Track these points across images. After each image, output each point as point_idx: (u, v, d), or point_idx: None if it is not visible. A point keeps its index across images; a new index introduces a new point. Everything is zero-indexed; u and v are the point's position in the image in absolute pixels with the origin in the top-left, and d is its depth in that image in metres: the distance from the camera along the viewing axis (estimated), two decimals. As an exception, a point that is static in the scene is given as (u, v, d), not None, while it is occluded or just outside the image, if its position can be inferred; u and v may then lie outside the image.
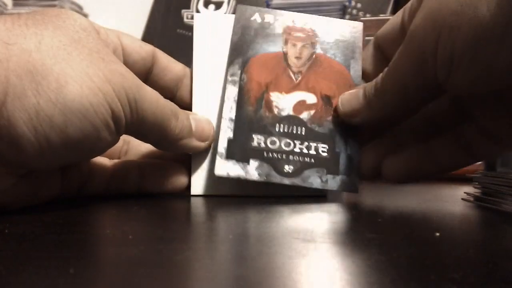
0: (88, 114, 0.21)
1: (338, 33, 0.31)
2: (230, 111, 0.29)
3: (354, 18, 0.68)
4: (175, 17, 0.85)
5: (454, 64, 0.21)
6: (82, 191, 0.28)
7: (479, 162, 0.45)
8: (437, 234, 0.20)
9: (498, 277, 0.14)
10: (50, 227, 0.20)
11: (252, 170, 0.28)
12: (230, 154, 0.28)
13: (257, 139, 0.29)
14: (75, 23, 0.23)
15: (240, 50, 0.30)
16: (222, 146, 0.29)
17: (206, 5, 0.84)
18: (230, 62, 0.30)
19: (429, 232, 0.21)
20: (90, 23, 0.24)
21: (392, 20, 0.29)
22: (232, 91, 0.29)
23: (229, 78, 0.30)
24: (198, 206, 0.27)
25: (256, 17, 0.31)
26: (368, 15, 0.69)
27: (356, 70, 0.31)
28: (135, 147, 0.32)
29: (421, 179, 0.30)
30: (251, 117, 0.29)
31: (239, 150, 0.29)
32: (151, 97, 0.24)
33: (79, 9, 0.95)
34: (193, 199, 0.29)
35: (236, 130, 0.29)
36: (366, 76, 0.31)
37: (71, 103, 0.20)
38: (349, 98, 0.28)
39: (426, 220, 0.24)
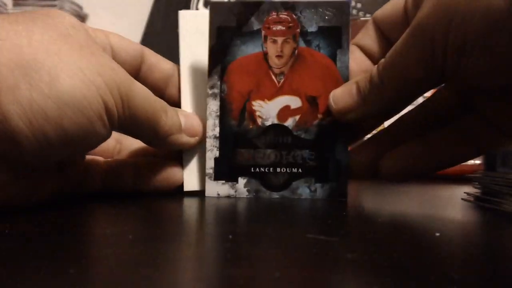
0: (81, 106, 0.21)
1: (322, 18, 0.29)
2: (213, 128, 0.29)
3: (354, 18, 0.68)
4: (175, 17, 0.85)
5: (466, 53, 0.21)
6: (79, 190, 0.28)
7: (479, 162, 0.45)
8: (437, 234, 0.20)
9: (498, 277, 0.14)
10: (50, 227, 0.20)
11: (241, 188, 0.29)
12: (218, 175, 0.29)
13: (243, 155, 0.29)
14: (64, 20, 0.23)
15: (218, 57, 0.29)
16: (209, 166, 0.29)
17: (206, 5, 0.84)
18: (209, 72, 0.29)
19: (429, 232, 0.21)
20: (78, 22, 0.24)
21: (393, 2, 0.27)
22: (214, 106, 0.29)
23: (209, 91, 0.29)
24: (197, 206, 0.27)
25: (233, 13, 0.29)
26: (368, 15, 0.69)
27: (343, 61, 0.29)
28: (128, 147, 0.33)
29: (421, 177, 0.28)
30: (235, 131, 0.29)
31: (226, 169, 0.29)
32: (141, 92, 0.25)
33: (79, 9, 0.95)
34: (191, 199, 0.29)
35: (221, 148, 0.29)
36: (372, 59, 0.29)
37: (64, 95, 0.21)
38: (341, 95, 0.27)
39: (426, 220, 0.24)
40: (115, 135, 0.32)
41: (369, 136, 0.31)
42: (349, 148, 0.29)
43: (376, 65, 0.25)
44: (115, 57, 0.27)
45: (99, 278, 0.13)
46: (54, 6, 0.88)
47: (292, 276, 0.13)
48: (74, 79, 0.21)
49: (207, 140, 0.29)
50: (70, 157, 0.27)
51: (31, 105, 0.20)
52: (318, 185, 0.29)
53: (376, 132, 0.31)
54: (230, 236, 0.18)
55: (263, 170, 0.29)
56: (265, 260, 0.15)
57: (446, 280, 0.13)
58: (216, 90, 0.29)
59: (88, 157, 0.29)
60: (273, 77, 0.29)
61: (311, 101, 0.29)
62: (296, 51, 0.29)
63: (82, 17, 0.96)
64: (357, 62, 0.29)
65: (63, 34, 0.22)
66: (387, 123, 0.31)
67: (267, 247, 0.17)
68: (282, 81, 0.29)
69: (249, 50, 0.29)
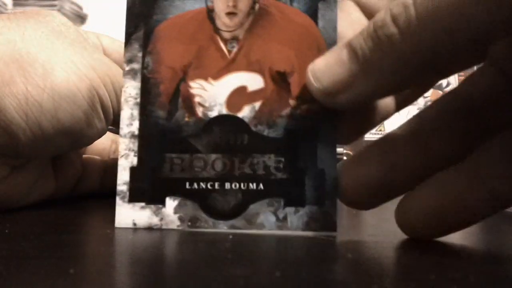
0: (76, 99, 0.21)
1: None
2: (130, 122, 0.20)
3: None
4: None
5: None
6: (77, 189, 0.28)
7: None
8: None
9: (498, 277, 0.14)
10: (50, 227, 0.20)
11: (170, 215, 0.19)
12: (135, 193, 0.19)
13: (174, 163, 0.19)
14: (54, 19, 0.24)
15: (139, 16, 0.20)
16: (122, 181, 0.19)
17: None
18: (126, 40, 0.20)
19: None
20: (69, 21, 0.25)
21: None
22: (132, 89, 0.20)
23: (126, 67, 0.20)
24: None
25: None
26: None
27: (328, 20, 0.19)
28: None
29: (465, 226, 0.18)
30: (163, 127, 0.19)
31: (148, 185, 0.19)
32: None
33: (79, 9, 0.95)
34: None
35: (141, 152, 0.19)
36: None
37: (58, 88, 0.21)
38: (326, 66, 0.17)
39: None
40: (110, 135, 0.32)
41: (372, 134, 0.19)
42: (338, 154, 0.20)
43: (387, 7, 0.15)
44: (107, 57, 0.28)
45: (99, 278, 0.13)
46: (54, 6, 0.88)
47: (290, 280, 0.13)
48: (68, 72, 0.21)
49: (121, 140, 0.20)
50: (68, 152, 0.27)
51: (27, 98, 0.20)
52: (289, 210, 0.19)
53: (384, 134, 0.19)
54: (230, 236, 0.18)
55: (204, 186, 0.19)
56: (262, 260, 0.15)
57: (446, 280, 0.13)
58: (136, 65, 0.20)
59: (85, 156, 0.29)
60: (222, 44, 0.20)
61: (279, 80, 0.20)
62: (257, 6, 0.20)
63: (82, 17, 0.96)
64: (352, 23, 0.19)
65: (55, 30, 0.23)
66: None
67: (269, 251, 0.17)
68: (235, 50, 0.20)
69: (186, 5, 0.20)
